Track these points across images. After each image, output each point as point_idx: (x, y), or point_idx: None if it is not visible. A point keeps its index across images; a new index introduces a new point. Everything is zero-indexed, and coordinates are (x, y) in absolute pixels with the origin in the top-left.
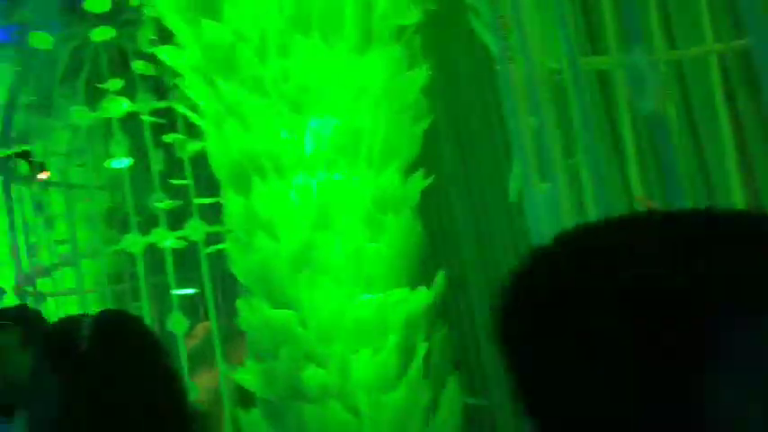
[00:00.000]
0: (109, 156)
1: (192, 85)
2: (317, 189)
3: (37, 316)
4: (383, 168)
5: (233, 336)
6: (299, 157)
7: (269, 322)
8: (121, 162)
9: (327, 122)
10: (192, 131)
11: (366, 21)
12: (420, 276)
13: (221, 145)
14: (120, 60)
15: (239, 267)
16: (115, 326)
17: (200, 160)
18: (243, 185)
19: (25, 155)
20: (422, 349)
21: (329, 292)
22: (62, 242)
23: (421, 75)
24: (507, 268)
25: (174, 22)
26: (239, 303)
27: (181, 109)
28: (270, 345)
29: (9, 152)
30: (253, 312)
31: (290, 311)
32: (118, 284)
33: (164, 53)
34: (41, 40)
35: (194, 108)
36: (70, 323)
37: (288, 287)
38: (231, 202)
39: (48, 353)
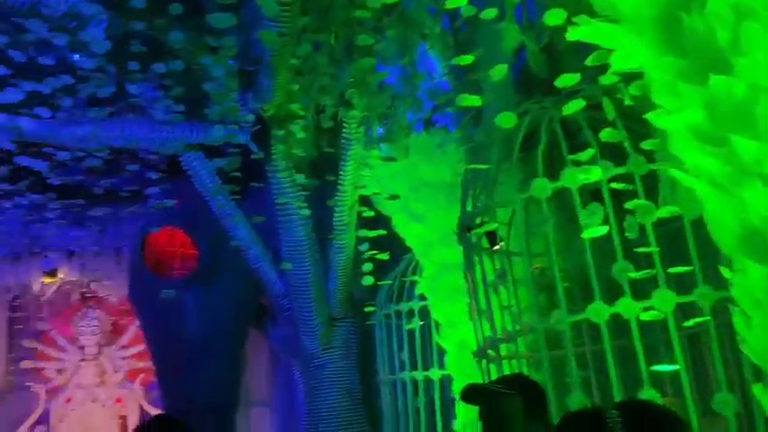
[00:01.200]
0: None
1: (688, 148)
2: None
3: (535, 386)
4: None
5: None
6: None
7: None
8: (597, 231)
9: None
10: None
11: None
12: None
13: (732, 209)
14: (564, 131)
15: (754, 347)
16: (647, 417)
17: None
18: (764, 254)
19: (488, 230)
20: None
21: None
22: (507, 307)
23: None
24: None
25: (664, 84)
26: (756, 389)
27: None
28: None
29: (480, 231)
30: None
31: None
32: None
33: (654, 117)
34: (506, 119)
35: (685, 171)
36: (597, 413)
37: None
38: (747, 272)
39: None
